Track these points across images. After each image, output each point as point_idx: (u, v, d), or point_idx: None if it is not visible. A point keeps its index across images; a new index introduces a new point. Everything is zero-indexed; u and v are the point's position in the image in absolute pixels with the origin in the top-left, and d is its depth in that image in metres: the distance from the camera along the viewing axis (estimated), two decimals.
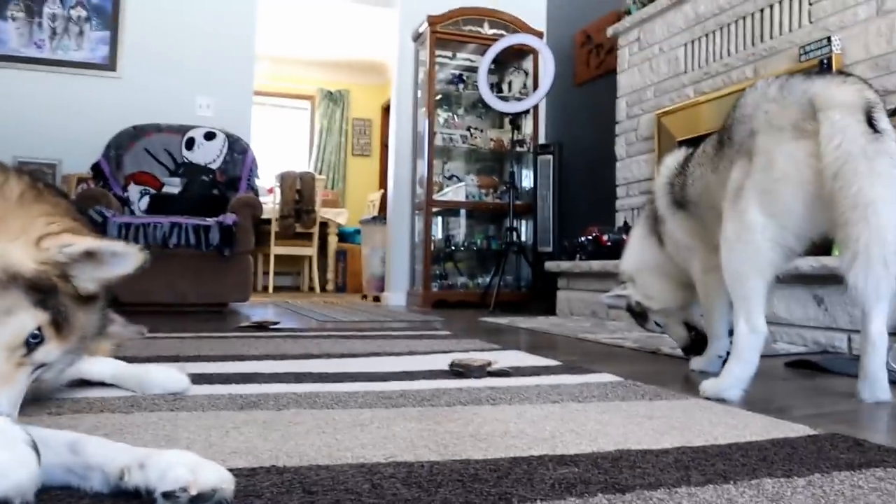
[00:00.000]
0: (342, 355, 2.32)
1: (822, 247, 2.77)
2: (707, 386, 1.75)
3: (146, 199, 5.00)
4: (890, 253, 1.49)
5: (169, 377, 1.61)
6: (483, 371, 1.91)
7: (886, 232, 1.48)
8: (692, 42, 4.38)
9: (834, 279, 2.73)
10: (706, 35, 4.25)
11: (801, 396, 1.80)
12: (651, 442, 1.23)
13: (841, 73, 1.66)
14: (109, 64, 5.92)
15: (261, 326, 3.23)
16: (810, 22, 3.52)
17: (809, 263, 2.74)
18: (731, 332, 2.15)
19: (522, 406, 1.52)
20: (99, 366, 1.62)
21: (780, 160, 1.61)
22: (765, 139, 1.65)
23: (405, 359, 2.27)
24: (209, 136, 5.34)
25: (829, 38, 3.33)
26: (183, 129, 5.35)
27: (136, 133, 5.24)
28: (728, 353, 2.17)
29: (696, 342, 2.28)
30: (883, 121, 1.53)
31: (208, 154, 5.27)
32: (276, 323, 3.33)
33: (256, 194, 5.13)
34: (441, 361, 2.17)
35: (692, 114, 4.28)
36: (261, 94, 9.55)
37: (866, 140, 1.50)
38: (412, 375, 1.91)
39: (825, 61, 3.31)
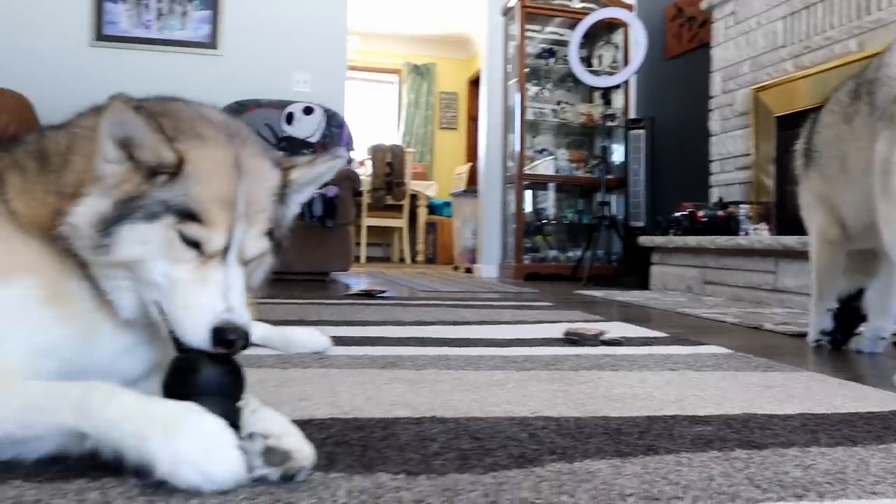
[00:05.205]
0: (455, 323, 2.45)
1: None
2: None
3: None
4: None
5: (312, 338, 1.77)
6: (597, 340, 2.00)
7: None
8: (791, 15, 4.28)
9: None
10: (807, 7, 4.15)
11: None
12: (774, 408, 1.30)
13: None
14: (211, 42, 6.15)
15: (368, 294, 3.40)
16: None
17: None
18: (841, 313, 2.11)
19: (642, 373, 1.61)
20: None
21: None
22: None
23: (517, 327, 2.39)
24: (308, 110, 5.53)
25: None
26: (282, 104, 5.55)
27: (239, 108, 5.47)
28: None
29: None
30: None
31: (307, 128, 5.46)
32: (382, 291, 3.50)
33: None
34: (551, 330, 2.28)
35: (791, 89, 4.20)
36: (351, 69, 9.75)
37: None
38: (529, 342, 2.02)
39: None
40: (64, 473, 0.83)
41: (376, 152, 7.77)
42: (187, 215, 0.89)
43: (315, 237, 4.58)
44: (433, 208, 8.95)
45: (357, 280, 4.87)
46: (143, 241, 0.89)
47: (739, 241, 3.92)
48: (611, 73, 6.08)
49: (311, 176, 1.06)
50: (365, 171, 7.77)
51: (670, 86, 5.92)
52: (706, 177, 5.02)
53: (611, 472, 0.90)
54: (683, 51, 5.72)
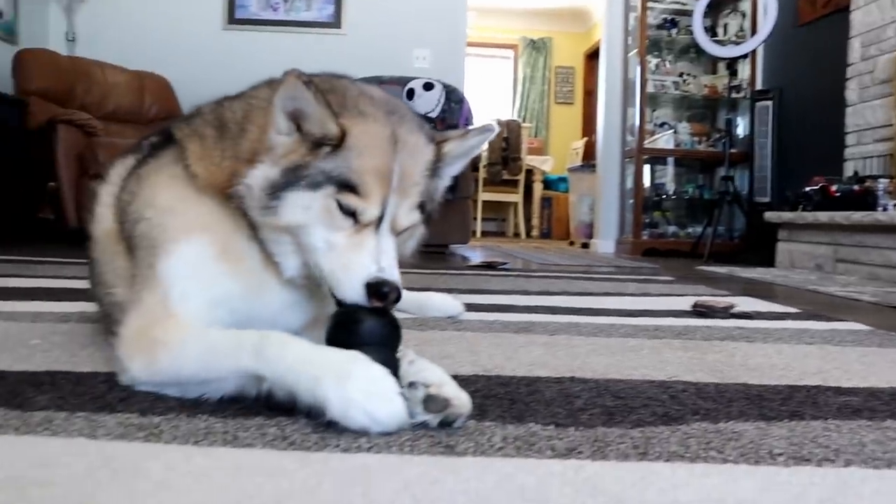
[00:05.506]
0: (579, 293, 2.48)
1: None
2: None
3: None
4: None
5: (446, 303, 1.84)
6: (726, 312, 1.98)
7: None
8: None
9: None
10: None
11: None
12: None
13: None
14: (335, 21, 6.32)
15: (490, 266, 3.46)
16: None
17: None
18: None
19: (777, 345, 1.59)
20: None
21: None
22: None
23: (642, 299, 2.39)
24: (428, 86, 5.61)
25: None
26: (403, 81, 5.65)
27: None
28: None
29: None
30: None
31: (428, 104, 5.55)
32: (504, 263, 3.56)
33: None
34: (677, 303, 2.26)
35: None
36: (468, 45, 9.80)
37: None
38: (657, 314, 2.03)
39: None
40: (244, 411, 0.93)
41: None
42: (346, 186, 0.96)
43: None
44: (548, 183, 8.92)
45: (474, 253, 4.95)
46: (306, 207, 0.97)
47: (878, 216, 3.72)
48: (737, 43, 5.85)
49: (464, 149, 1.11)
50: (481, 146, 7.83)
51: (801, 54, 5.63)
52: (839, 150, 4.78)
53: (757, 434, 0.92)
54: (818, 16, 5.43)
